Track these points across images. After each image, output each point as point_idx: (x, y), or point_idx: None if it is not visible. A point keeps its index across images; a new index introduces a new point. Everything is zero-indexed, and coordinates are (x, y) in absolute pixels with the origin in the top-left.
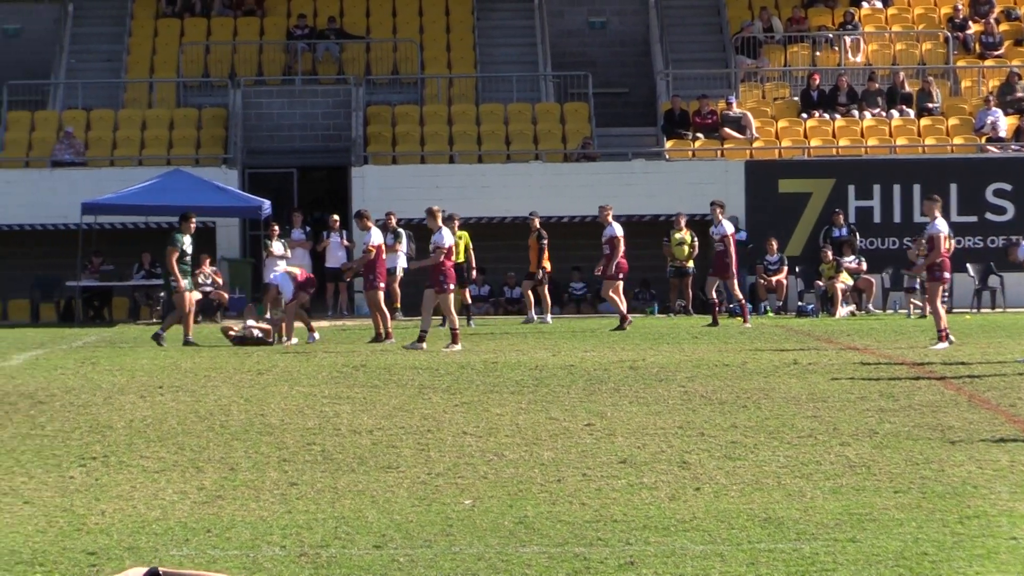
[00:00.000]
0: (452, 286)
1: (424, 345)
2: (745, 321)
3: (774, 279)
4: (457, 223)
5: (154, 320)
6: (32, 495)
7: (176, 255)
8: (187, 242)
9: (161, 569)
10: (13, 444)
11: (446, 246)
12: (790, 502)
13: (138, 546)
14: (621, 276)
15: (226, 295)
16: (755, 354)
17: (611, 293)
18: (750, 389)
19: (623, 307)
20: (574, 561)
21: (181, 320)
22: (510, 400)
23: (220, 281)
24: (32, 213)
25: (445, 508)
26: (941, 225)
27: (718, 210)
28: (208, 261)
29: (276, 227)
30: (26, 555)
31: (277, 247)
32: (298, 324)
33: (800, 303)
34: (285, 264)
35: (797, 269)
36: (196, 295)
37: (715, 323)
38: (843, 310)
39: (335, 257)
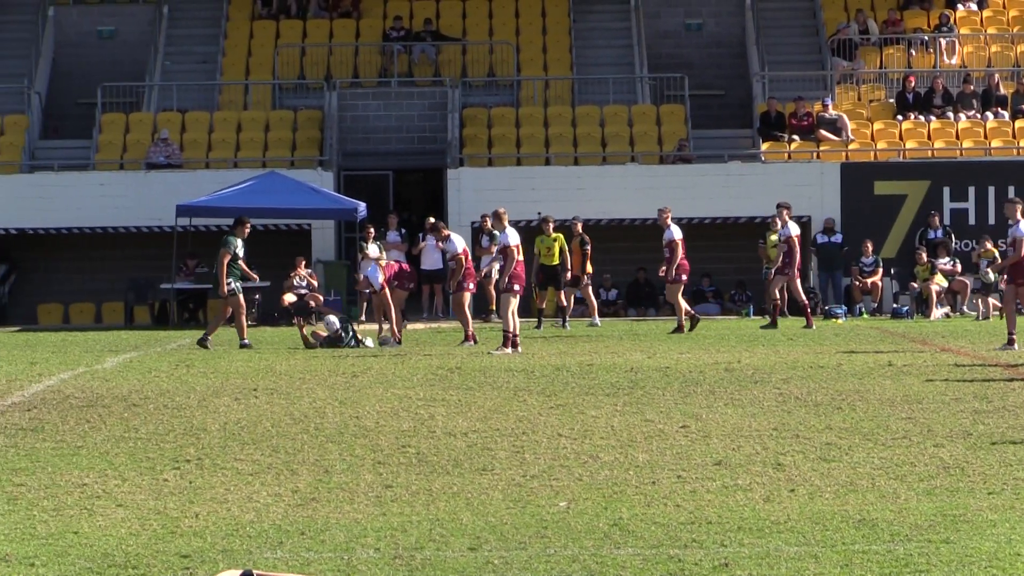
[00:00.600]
0: (517, 287)
1: (513, 349)
2: (808, 324)
3: (869, 281)
4: (552, 225)
5: (249, 323)
6: (126, 498)
7: (228, 258)
8: (239, 245)
9: (256, 572)
10: (107, 447)
11: (511, 244)
12: (884, 504)
13: (232, 549)
14: (683, 278)
15: (321, 297)
16: (850, 356)
17: (676, 296)
18: (845, 391)
19: (685, 310)
20: (668, 563)
21: (220, 323)
22: (605, 402)
23: (315, 283)
24: (126, 215)
25: (540, 510)
26: None
27: (784, 212)
28: (303, 263)
29: (371, 229)
30: (119, 558)
31: (372, 249)
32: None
33: (895, 305)
34: (376, 266)
35: (892, 271)
36: (291, 297)
37: (773, 324)
38: (938, 312)
39: (431, 259)
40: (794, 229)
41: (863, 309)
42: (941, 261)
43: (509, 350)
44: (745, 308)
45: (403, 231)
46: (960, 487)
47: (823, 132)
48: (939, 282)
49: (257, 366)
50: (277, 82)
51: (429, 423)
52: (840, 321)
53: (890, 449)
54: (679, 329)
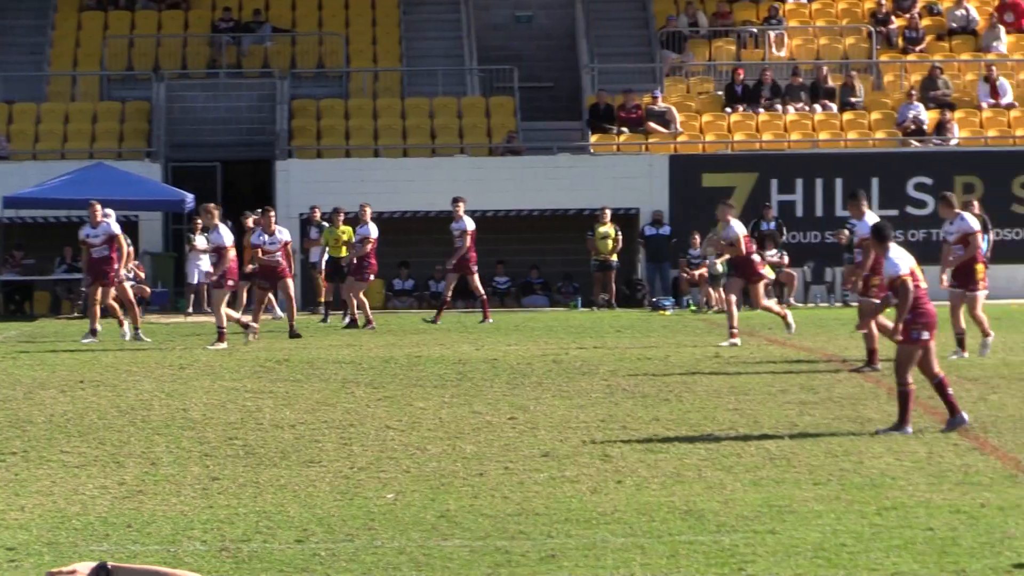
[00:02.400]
0: (231, 282)
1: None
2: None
3: (697, 273)
4: (342, 216)
5: (75, 315)
6: None
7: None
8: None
9: (110, 564)
10: None
11: (225, 244)
12: (711, 494)
13: (58, 541)
14: (368, 277)
15: (148, 289)
16: (677, 348)
17: (449, 289)
18: (672, 383)
19: (448, 299)
20: (496, 554)
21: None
22: (433, 394)
23: (143, 275)
24: None
25: (367, 502)
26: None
27: (728, 211)
28: (131, 255)
29: (199, 221)
30: None
31: (200, 241)
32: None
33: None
34: (207, 258)
35: None
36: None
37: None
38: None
39: None
40: (740, 229)
41: (691, 301)
42: (769, 253)
43: (223, 345)
44: (573, 300)
45: (229, 223)
46: (786, 478)
47: (652, 124)
48: (767, 274)
49: (84, 358)
50: (105, 73)
51: (256, 415)
52: (667, 313)
53: (717, 440)
54: (366, 323)
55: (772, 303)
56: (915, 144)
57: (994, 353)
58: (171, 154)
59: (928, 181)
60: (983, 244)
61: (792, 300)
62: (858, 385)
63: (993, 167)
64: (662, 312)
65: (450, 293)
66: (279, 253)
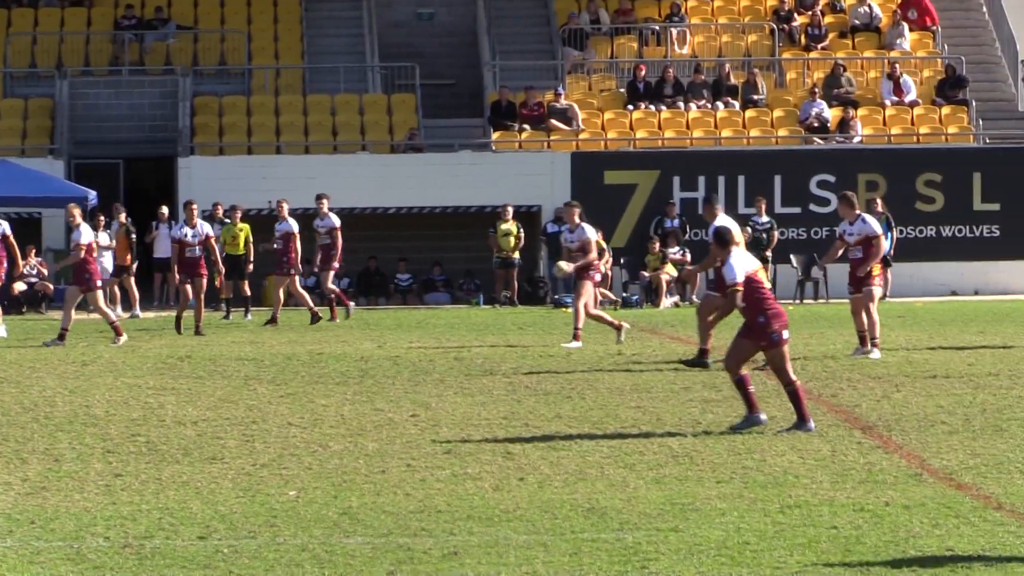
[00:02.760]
0: (99, 283)
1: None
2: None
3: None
4: (239, 214)
5: None
6: None
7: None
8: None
9: None
10: None
11: (84, 243)
12: (613, 492)
13: None
14: (293, 272)
15: (51, 286)
16: (579, 345)
17: (298, 288)
18: (575, 380)
19: (311, 302)
20: (398, 551)
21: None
22: (335, 391)
23: (45, 272)
24: None
25: (269, 499)
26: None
27: (574, 212)
28: (33, 252)
29: (102, 217)
30: None
31: (103, 237)
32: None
33: (624, 294)
34: (110, 254)
35: (622, 260)
36: (20, 286)
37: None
38: (667, 301)
39: (164, 247)
40: (591, 232)
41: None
42: (671, 250)
43: (124, 339)
44: (475, 297)
45: (129, 219)
46: (689, 475)
47: (554, 122)
48: (669, 271)
49: None
50: (8, 70)
51: (159, 412)
52: (569, 310)
53: (619, 438)
54: (272, 321)
55: (602, 312)
56: (818, 142)
57: (897, 352)
58: (74, 151)
59: (831, 179)
60: (886, 244)
61: (695, 298)
62: (761, 383)
63: (896, 165)
64: (564, 309)
65: (333, 287)
66: (199, 247)
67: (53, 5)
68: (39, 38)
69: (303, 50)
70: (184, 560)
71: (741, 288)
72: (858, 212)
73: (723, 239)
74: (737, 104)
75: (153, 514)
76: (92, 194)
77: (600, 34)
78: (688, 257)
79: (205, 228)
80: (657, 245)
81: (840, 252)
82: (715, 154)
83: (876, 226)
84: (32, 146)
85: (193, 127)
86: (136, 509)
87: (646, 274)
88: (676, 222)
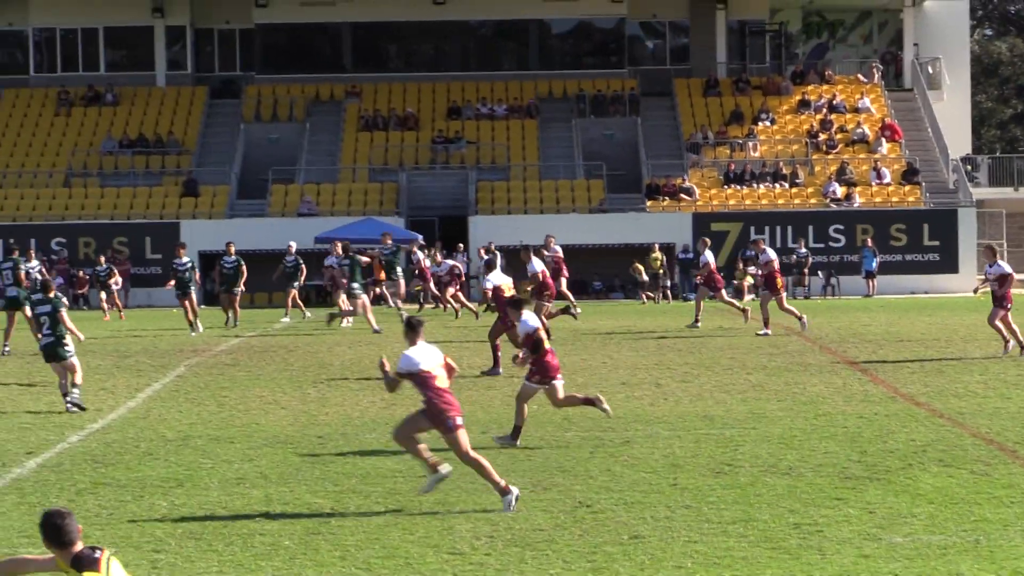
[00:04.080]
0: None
1: None
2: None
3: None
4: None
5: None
6: (287, 403)
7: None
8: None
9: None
10: (274, 374)
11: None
12: (717, 406)
13: None
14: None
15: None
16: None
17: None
18: (719, 342)
19: None
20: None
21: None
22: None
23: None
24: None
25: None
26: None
27: (538, 248)
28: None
29: (427, 250)
30: (281, 437)
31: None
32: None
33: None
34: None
35: (722, 273)
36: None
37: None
38: (748, 297)
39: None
40: (538, 266)
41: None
42: (749, 268)
43: None
44: (640, 298)
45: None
46: (760, 397)
47: (681, 195)
48: (747, 281)
49: None
50: (371, 167)
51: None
52: (691, 301)
53: (726, 372)
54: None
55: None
56: (833, 206)
57: (879, 325)
58: (409, 213)
59: (841, 227)
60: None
61: (752, 296)
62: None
63: (879, 220)
64: (687, 301)
65: (550, 306)
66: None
67: (396, 129)
68: (389, 148)
69: (539, 154)
70: None
71: (543, 331)
72: (996, 259)
73: (517, 305)
74: (787, 184)
75: None
76: (420, 237)
77: (708, 144)
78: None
79: (451, 262)
80: (741, 265)
81: (985, 284)
82: (774, 214)
83: (1007, 268)
84: (385, 210)
85: (476, 199)
86: None
87: (735, 282)
88: (751, 252)
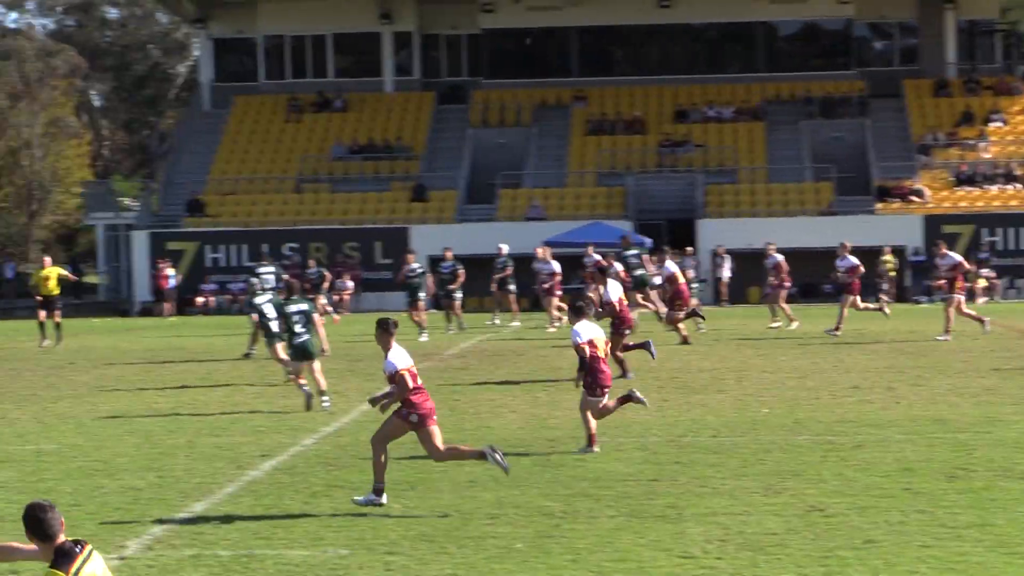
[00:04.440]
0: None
1: None
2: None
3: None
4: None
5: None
6: (517, 407)
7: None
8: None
9: None
10: (511, 376)
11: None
12: (823, 409)
13: None
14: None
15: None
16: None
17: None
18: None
19: None
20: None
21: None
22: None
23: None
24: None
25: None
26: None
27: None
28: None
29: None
30: (512, 440)
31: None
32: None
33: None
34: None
35: None
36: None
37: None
38: (981, 300)
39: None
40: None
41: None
42: (983, 271)
43: None
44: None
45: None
46: (807, 394)
47: (912, 197)
48: (981, 281)
49: None
50: (599, 171)
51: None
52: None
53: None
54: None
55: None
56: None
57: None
58: (638, 216)
59: None
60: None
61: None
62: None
63: None
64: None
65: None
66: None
67: (623, 133)
68: (616, 152)
69: (766, 157)
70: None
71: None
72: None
73: (578, 312)
74: (1020, 186)
75: None
76: (648, 241)
77: (938, 145)
78: (994, 273)
79: (672, 267)
80: (975, 266)
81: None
82: (1007, 215)
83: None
84: (613, 214)
85: (705, 202)
86: None
87: (968, 284)
88: (980, 253)
